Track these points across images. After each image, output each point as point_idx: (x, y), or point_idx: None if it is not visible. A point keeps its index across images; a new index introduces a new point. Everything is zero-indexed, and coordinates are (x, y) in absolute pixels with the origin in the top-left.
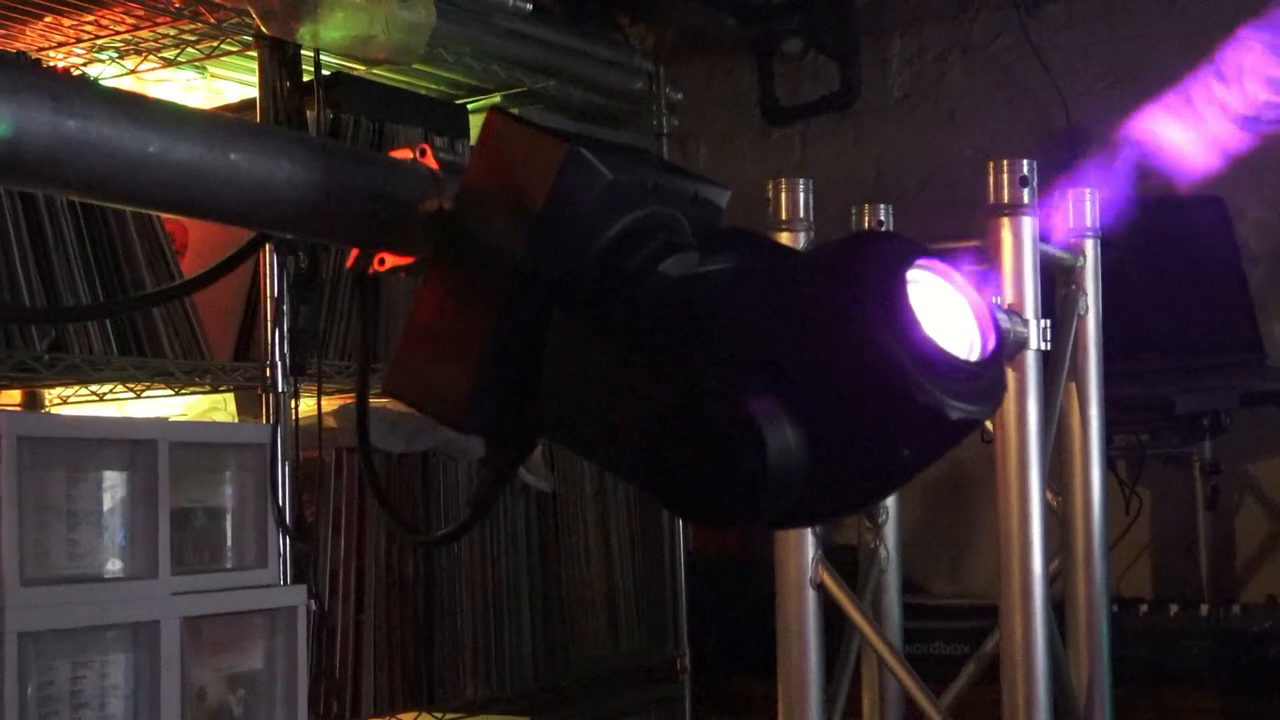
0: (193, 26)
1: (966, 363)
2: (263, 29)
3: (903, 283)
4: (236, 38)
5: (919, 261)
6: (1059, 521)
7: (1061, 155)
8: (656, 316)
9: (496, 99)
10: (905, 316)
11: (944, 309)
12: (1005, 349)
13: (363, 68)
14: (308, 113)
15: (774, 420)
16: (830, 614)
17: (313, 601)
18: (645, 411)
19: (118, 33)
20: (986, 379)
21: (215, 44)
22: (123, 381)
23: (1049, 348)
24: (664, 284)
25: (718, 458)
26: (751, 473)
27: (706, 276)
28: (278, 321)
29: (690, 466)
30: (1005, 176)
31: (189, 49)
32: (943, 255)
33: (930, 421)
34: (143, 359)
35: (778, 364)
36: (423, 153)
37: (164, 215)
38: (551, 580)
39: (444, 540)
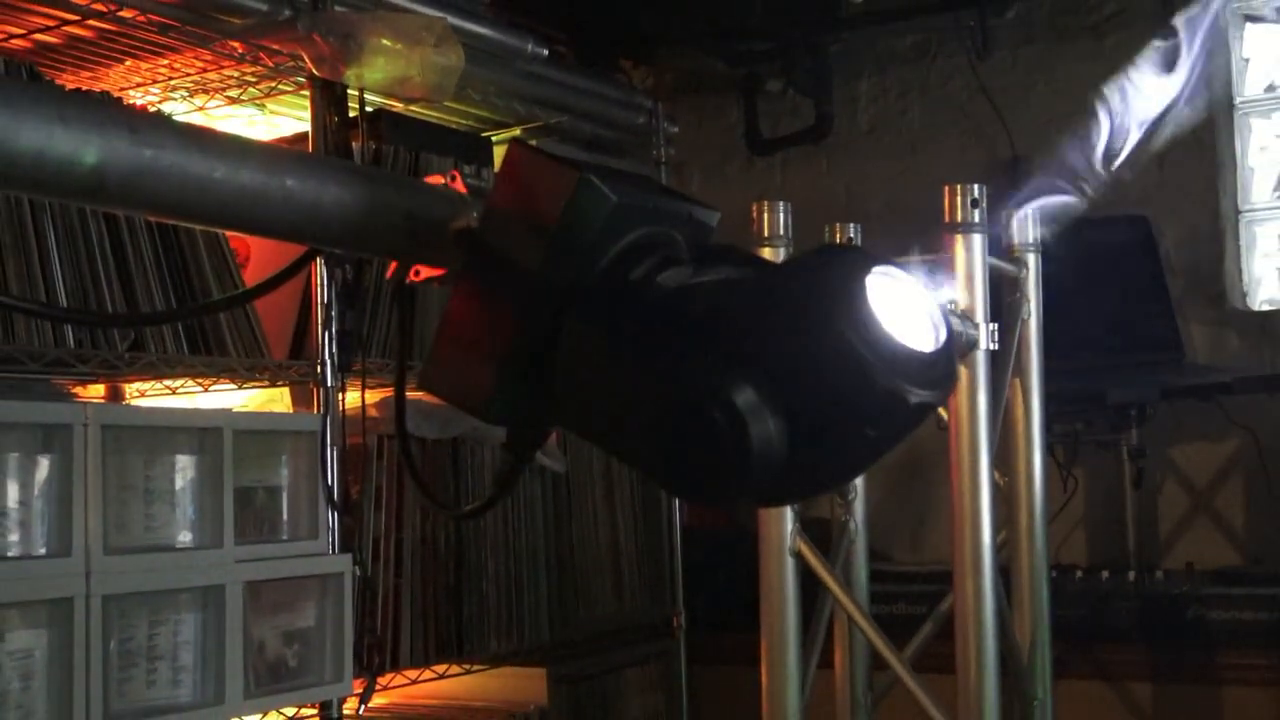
0: (253, 69)
1: (921, 353)
2: (314, 72)
3: (862, 286)
4: (291, 79)
5: (878, 268)
6: (1005, 498)
7: (1007, 181)
8: (655, 322)
9: (517, 132)
10: (866, 315)
11: (902, 309)
12: (955, 342)
13: (401, 105)
14: (353, 144)
15: (757, 412)
16: (806, 579)
17: (357, 568)
18: (646, 405)
19: (188, 74)
20: (940, 368)
21: (273, 84)
22: (192, 377)
23: (996, 347)
24: (663, 294)
25: (708, 445)
26: (737, 457)
27: (700, 287)
28: (327, 325)
29: (684, 452)
30: (959, 199)
31: (250, 89)
32: (899, 263)
33: (891, 406)
34: (210, 357)
35: (761, 361)
36: (453, 179)
37: (228, 233)
38: (564, 549)
39: (471, 514)
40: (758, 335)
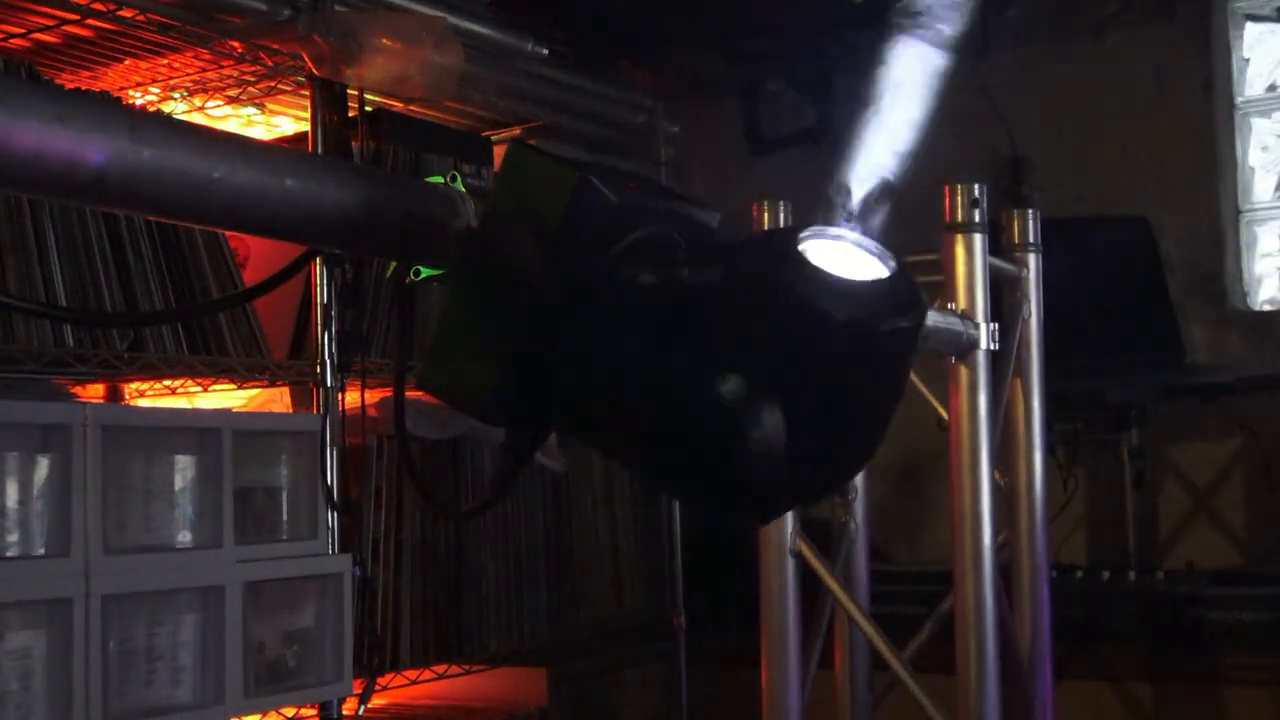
0: (253, 69)
1: (873, 282)
2: (314, 71)
3: (796, 246)
4: (291, 79)
5: (804, 234)
6: (1005, 498)
7: (1007, 181)
8: (652, 322)
9: (516, 132)
10: (807, 268)
11: (846, 258)
12: (907, 270)
13: (401, 104)
14: (353, 144)
15: (752, 408)
16: (807, 579)
17: (357, 568)
18: (648, 411)
19: (188, 74)
20: (904, 294)
21: (272, 84)
22: (192, 377)
23: (997, 348)
24: (659, 294)
25: (710, 459)
26: (738, 451)
27: (693, 288)
28: (327, 325)
29: (689, 465)
30: (959, 199)
31: (250, 88)
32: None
33: (863, 339)
34: (209, 357)
35: (736, 350)
36: (453, 179)
37: (227, 232)
38: (564, 549)
39: (471, 515)
40: (726, 325)
